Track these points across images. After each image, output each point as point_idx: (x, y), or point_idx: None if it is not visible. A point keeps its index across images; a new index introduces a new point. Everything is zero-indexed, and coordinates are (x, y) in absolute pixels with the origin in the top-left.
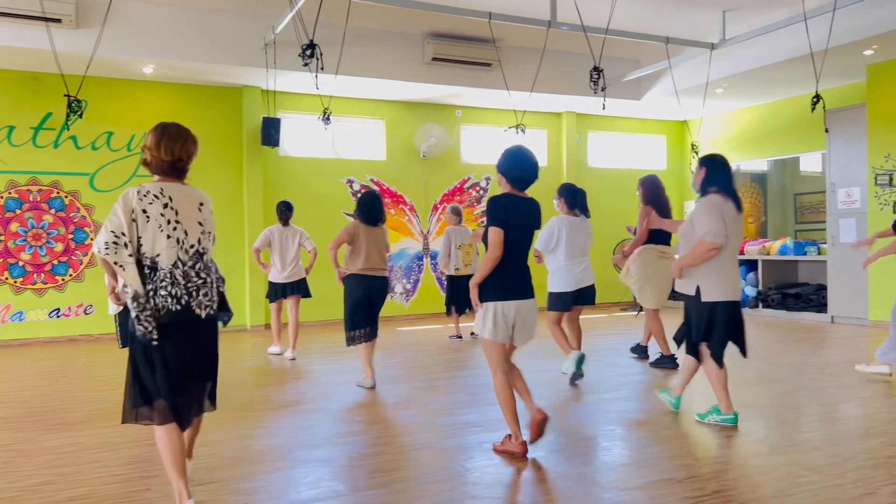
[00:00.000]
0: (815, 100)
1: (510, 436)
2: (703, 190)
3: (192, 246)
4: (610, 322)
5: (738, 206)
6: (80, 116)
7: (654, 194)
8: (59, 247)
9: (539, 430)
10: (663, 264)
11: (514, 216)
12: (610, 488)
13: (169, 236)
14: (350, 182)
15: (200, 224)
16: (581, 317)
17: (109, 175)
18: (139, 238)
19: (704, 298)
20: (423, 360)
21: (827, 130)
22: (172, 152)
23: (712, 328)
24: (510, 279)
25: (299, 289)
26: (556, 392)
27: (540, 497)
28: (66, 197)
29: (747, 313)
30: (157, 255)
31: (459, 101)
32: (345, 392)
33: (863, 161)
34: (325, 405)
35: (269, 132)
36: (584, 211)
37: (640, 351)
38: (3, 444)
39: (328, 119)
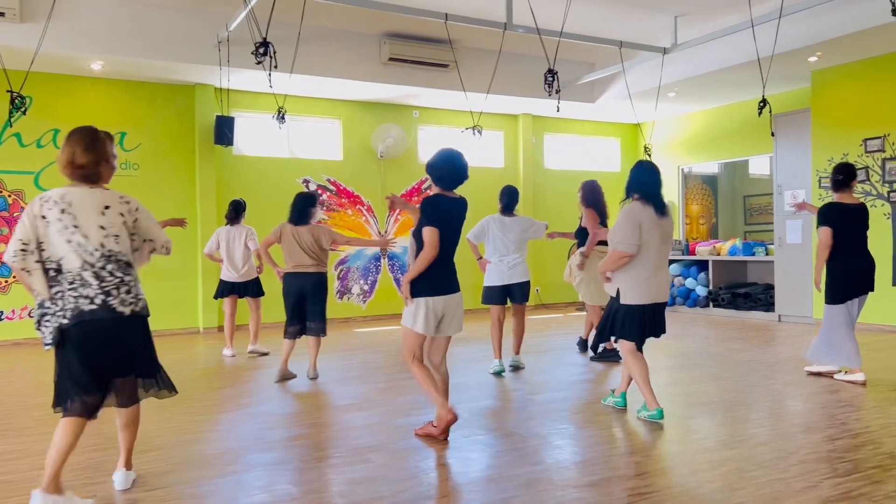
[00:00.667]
0: (761, 104)
1: (432, 422)
2: (628, 195)
3: (96, 249)
4: (565, 322)
5: (659, 211)
6: (24, 113)
7: (592, 198)
8: (2, 247)
9: (446, 429)
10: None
11: (446, 216)
12: (562, 486)
13: (69, 241)
14: (306, 182)
15: (102, 227)
16: (539, 316)
17: (56, 174)
18: (40, 243)
19: (622, 301)
20: (380, 362)
21: (773, 134)
22: (73, 159)
23: (627, 326)
24: (440, 276)
25: (250, 289)
26: (507, 391)
27: (494, 496)
28: (10, 196)
29: (698, 312)
30: (61, 259)
31: (417, 101)
32: (300, 394)
33: (807, 164)
34: (278, 408)
35: (223, 131)
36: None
37: (583, 345)
38: None
39: (283, 118)
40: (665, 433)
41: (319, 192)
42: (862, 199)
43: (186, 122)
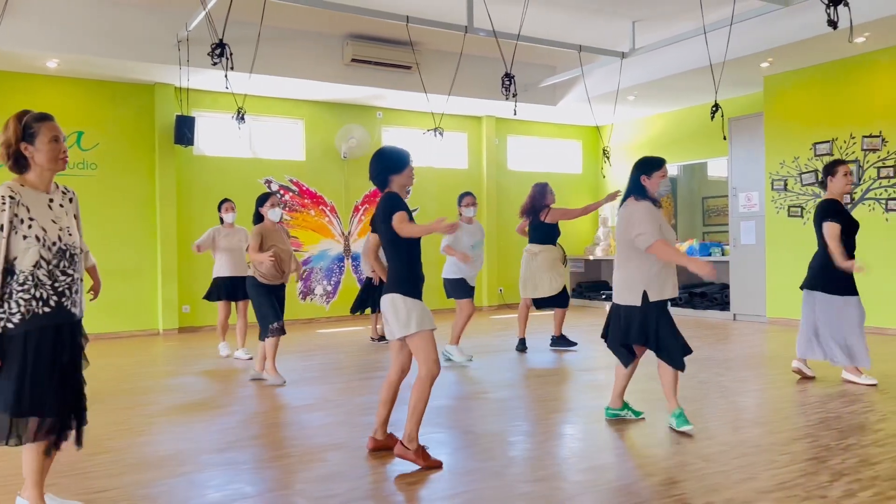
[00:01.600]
0: (714, 108)
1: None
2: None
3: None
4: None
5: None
6: None
7: (536, 199)
8: None
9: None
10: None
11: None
12: (514, 481)
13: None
14: (268, 182)
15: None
16: (502, 316)
17: (9, 173)
18: None
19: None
20: (341, 362)
21: (725, 138)
22: None
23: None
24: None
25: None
26: (462, 390)
27: (448, 490)
28: None
29: None
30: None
31: (380, 102)
32: (257, 396)
33: (761, 167)
34: (235, 409)
35: (183, 131)
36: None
37: (562, 342)
38: None
39: (242, 118)
40: (616, 429)
41: (282, 192)
42: (812, 202)
43: (146, 121)
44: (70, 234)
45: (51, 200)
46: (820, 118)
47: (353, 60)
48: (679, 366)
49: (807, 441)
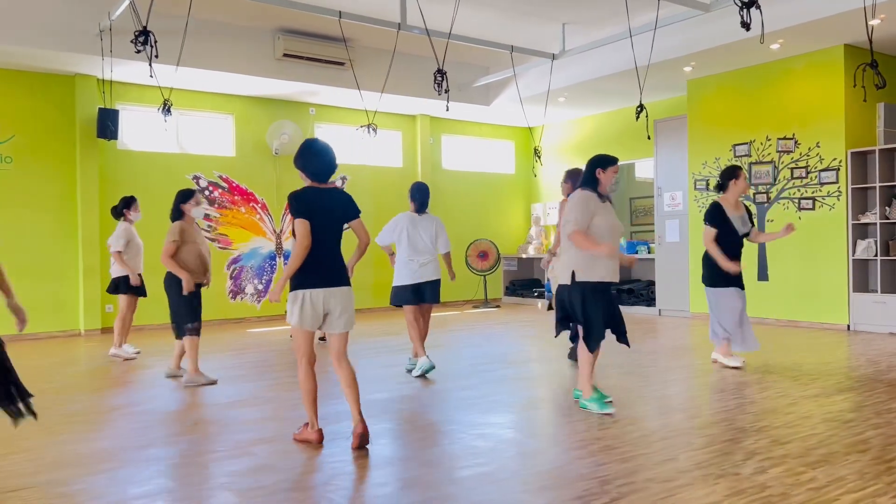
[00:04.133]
0: (639, 109)
1: (307, 424)
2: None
3: None
4: (462, 318)
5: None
6: None
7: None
8: None
9: (360, 441)
10: None
11: (317, 208)
12: (460, 467)
13: None
14: (197, 178)
15: None
16: (439, 314)
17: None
18: None
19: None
20: (271, 360)
21: (649, 137)
22: None
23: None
24: (318, 267)
25: None
26: (408, 383)
27: (393, 476)
28: None
29: None
30: None
31: (314, 98)
32: (183, 393)
33: (684, 168)
34: (160, 406)
35: (106, 124)
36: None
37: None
38: None
39: (168, 111)
40: (547, 417)
41: (210, 188)
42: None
43: (66, 113)
44: None
45: None
46: (739, 121)
47: (285, 55)
48: (589, 345)
49: (723, 424)
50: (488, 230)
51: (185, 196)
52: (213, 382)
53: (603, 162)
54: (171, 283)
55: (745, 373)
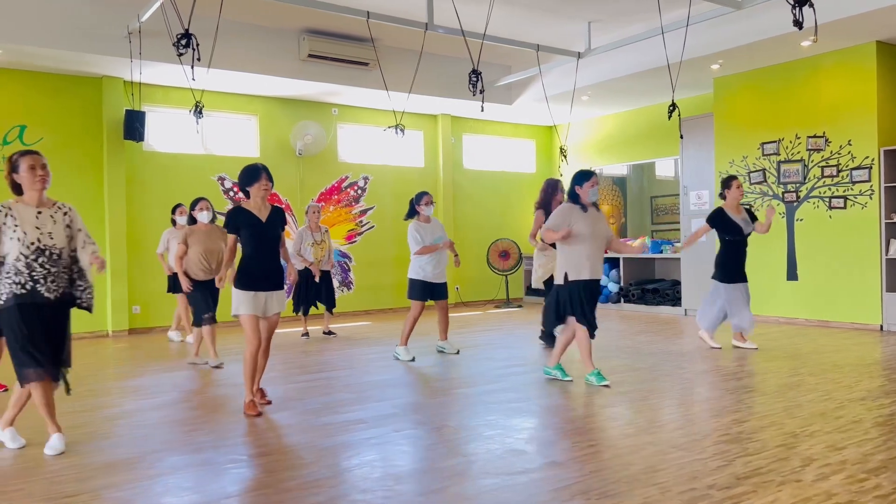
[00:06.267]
0: (671, 108)
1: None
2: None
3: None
4: (484, 318)
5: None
6: None
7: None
8: None
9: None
10: None
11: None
12: (495, 474)
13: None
14: (221, 179)
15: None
16: (460, 314)
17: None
18: None
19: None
20: (299, 361)
21: (682, 136)
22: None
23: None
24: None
25: None
26: (433, 387)
27: (426, 486)
28: None
29: (610, 308)
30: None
31: (336, 99)
32: (217, 394)
33: (710, 166)
34: (198, 409)
35: (133, 126)
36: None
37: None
38: None
39: (200, 113)
40: (589, 422)
41: (235, 189)
42: (759, 200)
43: (93, 115)
44: (51, 238)
45: (39, 212)
46: (767, 119)
47: (310, 56)
48: (592, 333)
49: (773, 429)
50: (509, 230)
51: (192, 204)
52: (219, 366)
53: (580, 178)
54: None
55: (784, 374)
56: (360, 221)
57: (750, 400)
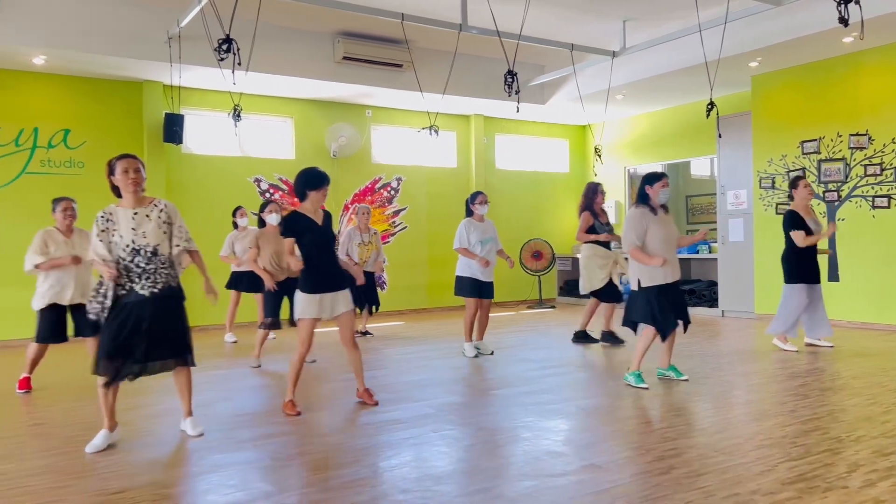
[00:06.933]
0: (709, 107)
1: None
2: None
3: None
4: (517, 319)
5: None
6: None
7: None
8: None
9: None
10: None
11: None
12: (534, 476)
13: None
14: (258, 181)
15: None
16: (492, 315)
17: None
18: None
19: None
20: (335, 360)
21: (720, 136)
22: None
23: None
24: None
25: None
26: (469, 387)
27: (466, 487)
28: None
29: None
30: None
31: (370, 100)
32: (258, 392)
33: (748, 165)
34: (241, 406)
35: (172, 129)
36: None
37: (610, 338)
38: None
39: (238, 116)
40: (626, 424)
41: (271, 190)
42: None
43: (134, 119)
44: (144, 237)
45: (135, 213)
46: (807, 117)
47: (345, 58)
48: (663, 336)
49: (818, 433)
50: (542, 230)
51: (261, 207)
52: (256, 366)
53: (650, 179)
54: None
55: (829, 378)
56: (394, 222)
57: (792, 403)
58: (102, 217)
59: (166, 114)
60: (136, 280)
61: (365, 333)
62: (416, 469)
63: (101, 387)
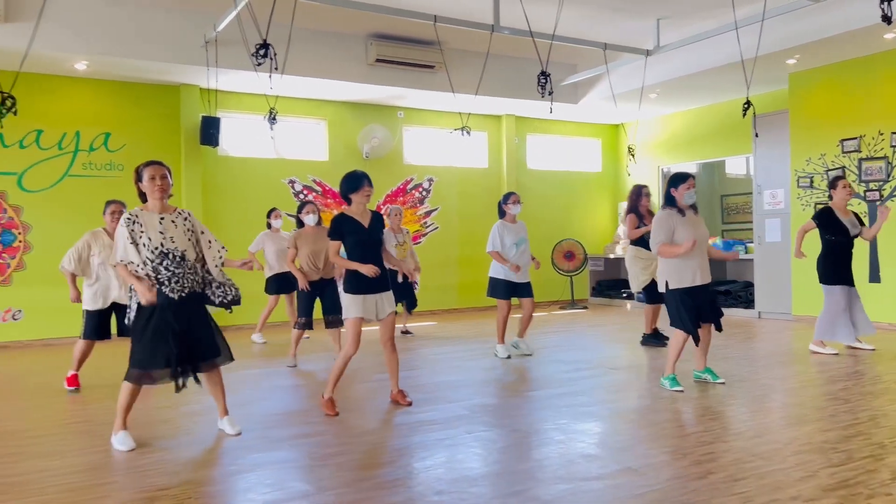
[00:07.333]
0: (745, 106)
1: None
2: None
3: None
4: (549, 319)
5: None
6: (15, 113)
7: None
8: None
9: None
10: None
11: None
12: (569, 479)
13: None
14: (292, 182)
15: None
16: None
17: (39, 174)
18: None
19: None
20: (366, 361)
21: (756, 135)
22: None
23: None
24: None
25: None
26: (502, 389)
27: (504, 489)
28: None
29: None
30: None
31: (402, 102)
32: (295, 391)
33: (786, 164)
34: (277, 406)
35: (209, 131)
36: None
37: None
38: None
39: (274, 119)
40: (661, 428)
41: (305, 192)
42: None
43: (171, 122)
44: (173, 241)
45: (162, 218)
46: (847, 115)
47: (378, 60)
48: (695, 339)
49: (860, 439)
50: (574, 230)
51: (299, 208)
52: (292, 366)
53: (675, 180)
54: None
55: (870, 382)
56: (425, 223)
57: (832, 408)
58: (129, 219)
59: (203, 117)
60: (165, 283)
61: (406, 332)
62: (450, 470)
63: (124, 389)
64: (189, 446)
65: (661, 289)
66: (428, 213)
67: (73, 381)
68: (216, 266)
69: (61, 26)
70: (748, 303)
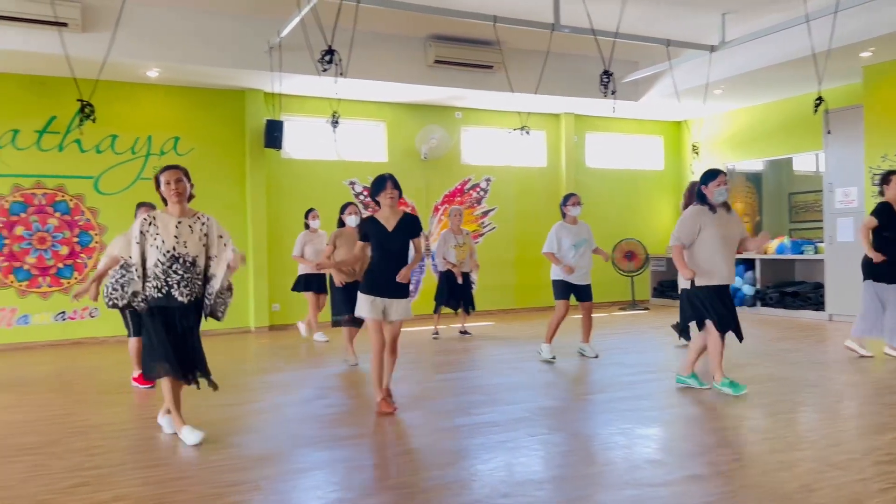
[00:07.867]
0: (817, 101)
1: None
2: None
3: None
4: (610, 321)
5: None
6: (94, 121)
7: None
8: (65, 250)
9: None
10: None
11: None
12: (636, 485)
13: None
14: (352, 184)
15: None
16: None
17: (114, 178)
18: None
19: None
20: (427, 360)
21: (829, 132)
22: None
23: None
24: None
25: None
26: (564, 391)
27: (570, 493)
28: (71, 200)
29: (745, 312)
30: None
31: (460, 102)
32: (354, 390)
33: (860, 161)
34: (337, 404)
35: (273, 134)
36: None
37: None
38: (29, 447)
39: (337, 122)
40: (731, 434)
41: (365, 193)
42: None
43: (237, 126)
44: (185, 246)
45: (179, 223)
46: None
47: (436, 62)
48: (722, 335)
49: None
50: (635, 229)
51: (342, 208)
52: (354, 365)
53: (706, 177)
54: (330, 281)
55: None
56: (483, 223)
57: None
58: (146, 220)
59: (267, 120)
60: (175, 286)
61: (464, 332)
62: (513, 473)
63: (164, 386)
64: (257, 443)
65: (686, 285)
66: (485, 214)
67: (142, 379)
68: (227, 267)
69: (135, 35)
70: (818, 304)
